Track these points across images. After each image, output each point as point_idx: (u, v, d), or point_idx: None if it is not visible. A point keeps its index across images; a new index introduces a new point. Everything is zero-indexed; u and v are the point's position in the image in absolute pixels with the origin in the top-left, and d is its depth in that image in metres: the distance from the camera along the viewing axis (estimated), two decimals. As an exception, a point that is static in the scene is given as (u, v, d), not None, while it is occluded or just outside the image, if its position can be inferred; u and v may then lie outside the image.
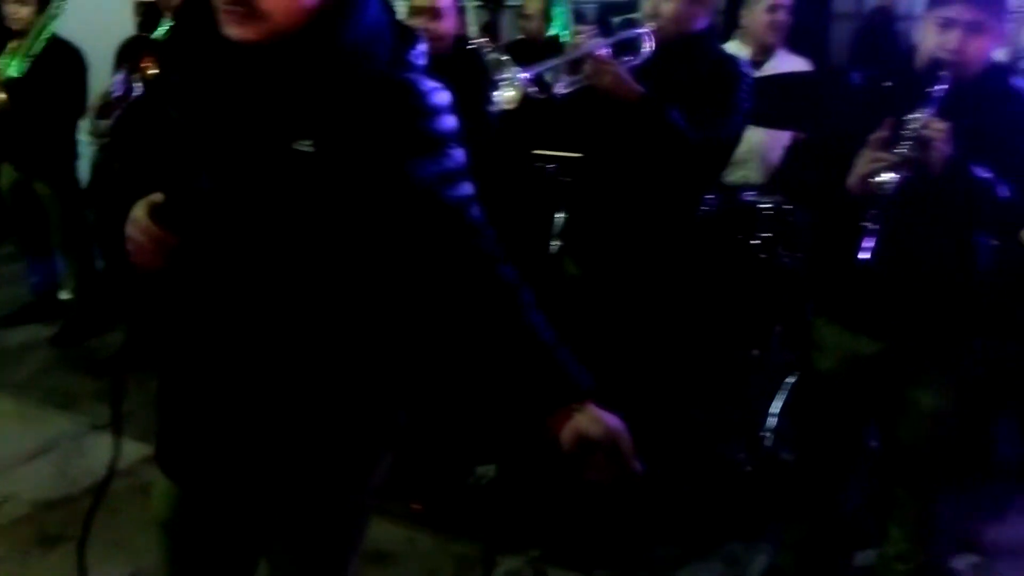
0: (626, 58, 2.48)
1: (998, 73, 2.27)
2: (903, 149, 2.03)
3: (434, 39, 2.88)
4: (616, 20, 2.62)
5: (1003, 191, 2.09)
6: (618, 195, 2.72)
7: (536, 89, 2.42)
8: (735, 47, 3.75)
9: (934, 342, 2.32)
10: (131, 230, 1.34)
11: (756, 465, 3.19)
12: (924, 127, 2.03)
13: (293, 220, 1.28)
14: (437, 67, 2.86)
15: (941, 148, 2.02)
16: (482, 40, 3.38)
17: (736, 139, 2.64)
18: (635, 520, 2.98)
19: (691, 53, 2.58)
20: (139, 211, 1.34)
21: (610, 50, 2.46)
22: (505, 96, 2.41)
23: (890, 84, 2.27)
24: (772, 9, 3.62)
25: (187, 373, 1.43)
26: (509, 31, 7.18)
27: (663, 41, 2.53)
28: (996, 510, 3.15)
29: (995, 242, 2.30)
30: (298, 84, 1.28)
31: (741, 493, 3.17)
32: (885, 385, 2.39)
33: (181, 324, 1.40)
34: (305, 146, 1.26)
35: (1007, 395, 3.26)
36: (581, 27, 2.60)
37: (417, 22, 2.95)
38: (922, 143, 2.02)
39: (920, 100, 2.09)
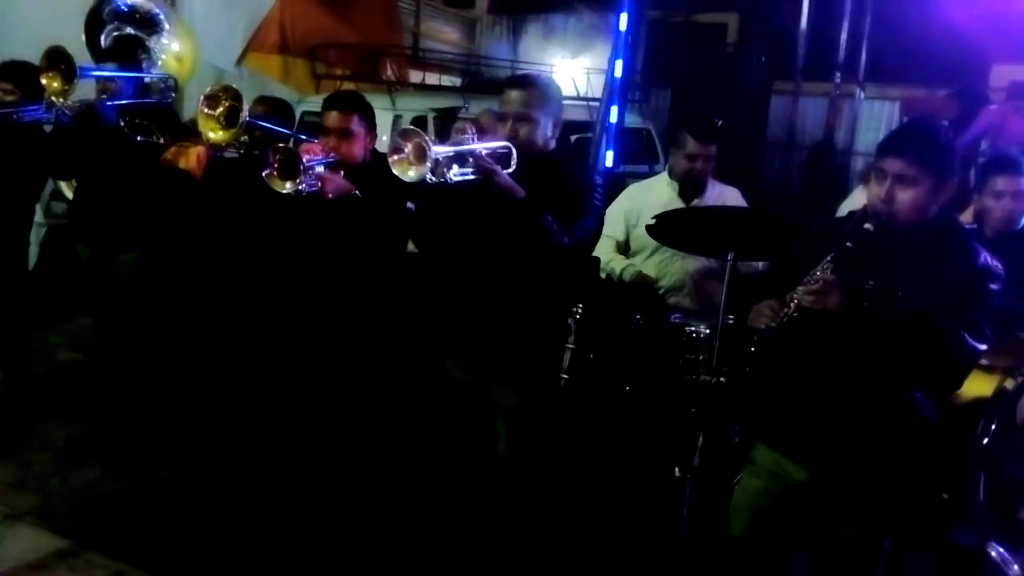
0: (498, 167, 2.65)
1: (946, 233, 2.27)
2: (789, 306, 2.16)
3: (346, 158, 3.13)
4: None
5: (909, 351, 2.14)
6: (497, 297, 2.83)
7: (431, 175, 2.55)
8: (663, 180, 3.95)
9: (860, 480, 2.35)
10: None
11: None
12: (813, 280, 2.14)
13: None
14: (355, 175, 3.06)
15: (828, 300, 2.13)
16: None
17: (593, 240, 2.79)
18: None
19: (547, 167, 2.78)
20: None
21: (486, 152, 2.65)
22: (409, 173, 2.53)
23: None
24: (690, 158, 3.84)
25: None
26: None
27: (523, 157, 2.72)
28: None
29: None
30: None
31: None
32: (812, 510, 2.43)
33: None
34: None
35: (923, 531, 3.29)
36: (462, 124, 2.78)
37: (328, 142, 3.15)
38: (815, 294, 2.13)
39: (835, 249, 2.18)
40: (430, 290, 3.58)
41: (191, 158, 3.56)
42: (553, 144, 2.87)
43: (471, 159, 2.60)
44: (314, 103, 9.23)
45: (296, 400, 3.37)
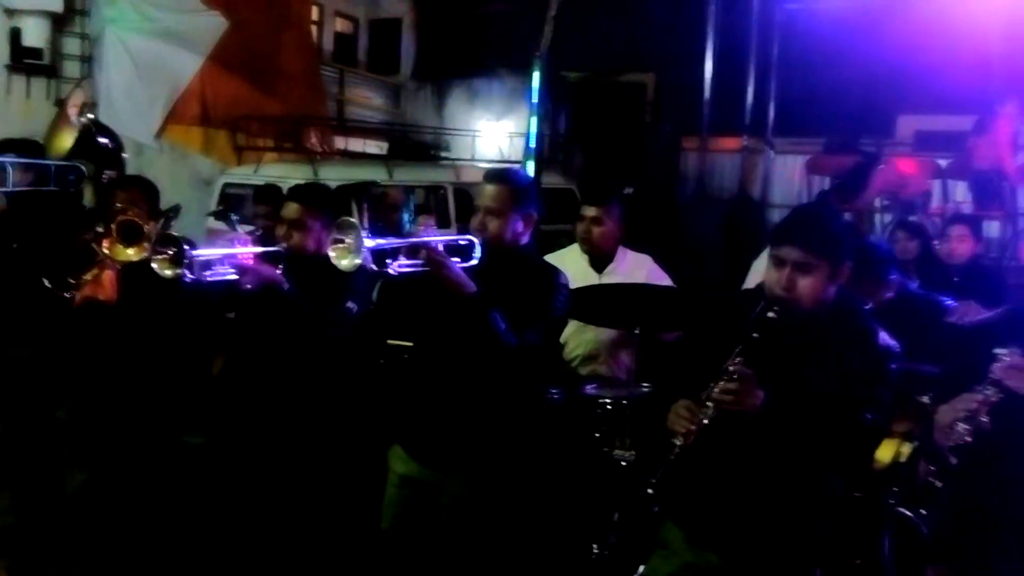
0: (456, 259, 2.65)
1: (845, 314, 2.32)
2: (707, 406, 2.14)
3: (296, 250, 3.10)
4: None
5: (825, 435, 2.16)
6: (447, 388, 2.79)
7: (372, 263, 2.54)
8: (575, 251, 4.01)
9: (773, 565, 2.35)
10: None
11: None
12: (729, 378, 2.14)
13: None
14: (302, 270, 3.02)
15: (747, 400, 2.14)
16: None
17: (551, 341, 2.77)
18: None
19: (513, 264, 2.78)
20: None
21: (442, 245, 2.65)
22: (342, 262, 2.52)
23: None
24: (581, 219, 3.94)
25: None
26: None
27: (490, 251, 2.72)
28: None
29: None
30: None
31: None
32: None
33: None
34: None
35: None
36: (423, 217, 2.78)
37: (279, 231, 3.17)
38: (727, 394, 2.13)
39: (743, 341, 2.18)
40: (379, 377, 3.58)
41: (106, 287, 3.44)
42: (524, 240, 2.85)
43: (424, 251, 2.60)
44: (236, 175, 9.19)
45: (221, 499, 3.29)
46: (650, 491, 2.11)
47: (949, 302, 3.49)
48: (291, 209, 3.19)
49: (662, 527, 2.52)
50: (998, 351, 2.13)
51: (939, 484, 1.90)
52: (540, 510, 3.38)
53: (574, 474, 3.50)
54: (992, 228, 8.70)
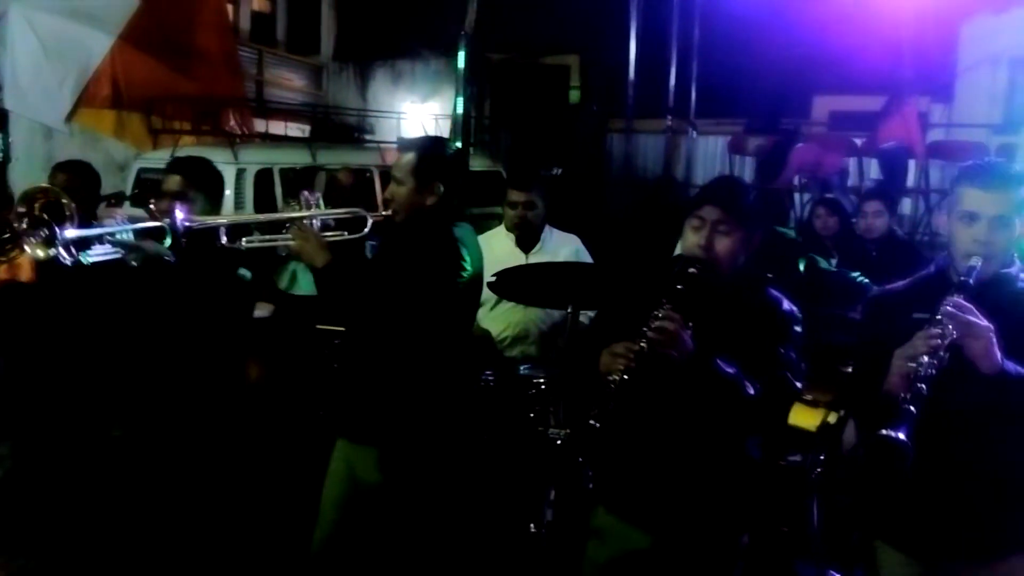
0: (343, 231, 2.75)
1: (751, 282, 2.40)
2: (641, 346, 2.13)
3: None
4: None
5: (748, 389, 2.19)
6: (355, 363, 2.84)
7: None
8: (501, 232, 4.00)
9: (702, 539, 2.38)
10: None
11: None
12: (660, 318, 2.14)
13: None
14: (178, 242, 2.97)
15: (679, 337, 2.14)
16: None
17: (457, 314, 2.81)
18: None
19: (419, 231, 2.78)
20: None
21: (318, 220, 2.76)
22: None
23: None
24: (512, 205, 3.94)
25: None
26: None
27: (397, 221, 2.79)
28: None
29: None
30: None
31: None
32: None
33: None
34: None
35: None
36: (306, 194, 2.82)
37: (161, 205, 3.10)
38: (659, 334, 2.13)
39: (667, 295, 2.20)
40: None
41: (25, 269, 3.28)
42: (429, 207, 2.78)
43: (294, 226, 2.71)
44: (151, 159, 8.88)
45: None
46: (594, 423, 2.11)
47: (861, 278, 3.62)
48: (172, 181, 3.13)
49: (593, 516, 2.51)
50: (918, 315, 2.18)
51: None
52: (476, 490, 3.37)
53: (509, 454, 3.50)
54: (904, 205, 9.03)
